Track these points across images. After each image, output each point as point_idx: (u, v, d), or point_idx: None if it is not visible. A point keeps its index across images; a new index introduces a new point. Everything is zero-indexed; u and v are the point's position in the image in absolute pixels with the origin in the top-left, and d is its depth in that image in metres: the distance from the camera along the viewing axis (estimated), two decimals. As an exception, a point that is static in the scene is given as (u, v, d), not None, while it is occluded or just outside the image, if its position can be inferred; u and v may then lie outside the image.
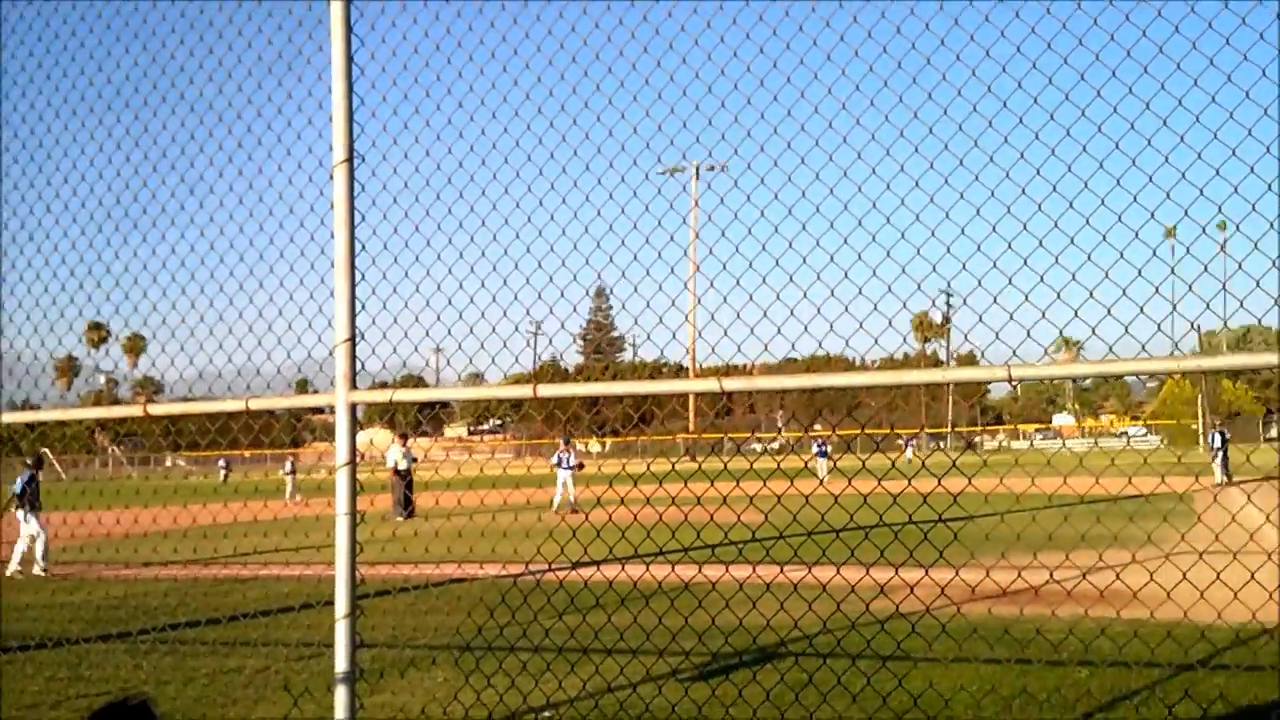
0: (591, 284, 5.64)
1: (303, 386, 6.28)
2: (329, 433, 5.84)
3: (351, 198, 5.15)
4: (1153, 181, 4.35)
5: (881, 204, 4.83)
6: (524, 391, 4.92)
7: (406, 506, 26.20)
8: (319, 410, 5.53)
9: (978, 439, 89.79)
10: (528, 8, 5.36)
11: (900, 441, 71.74)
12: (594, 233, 5.32)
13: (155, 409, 5.85)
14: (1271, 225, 4.12)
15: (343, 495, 5.03)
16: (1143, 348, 4.42)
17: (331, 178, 5.17)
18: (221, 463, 63.33)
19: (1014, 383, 4.46)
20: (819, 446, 45.14)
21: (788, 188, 4.97)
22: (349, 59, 5.18)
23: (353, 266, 5.14)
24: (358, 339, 5.15)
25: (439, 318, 5.63)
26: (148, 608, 12.54)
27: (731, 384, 4.58)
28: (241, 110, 6.06)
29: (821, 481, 33.54)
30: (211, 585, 14.44)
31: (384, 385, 5.91)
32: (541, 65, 5.37)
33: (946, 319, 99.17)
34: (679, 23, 5.09)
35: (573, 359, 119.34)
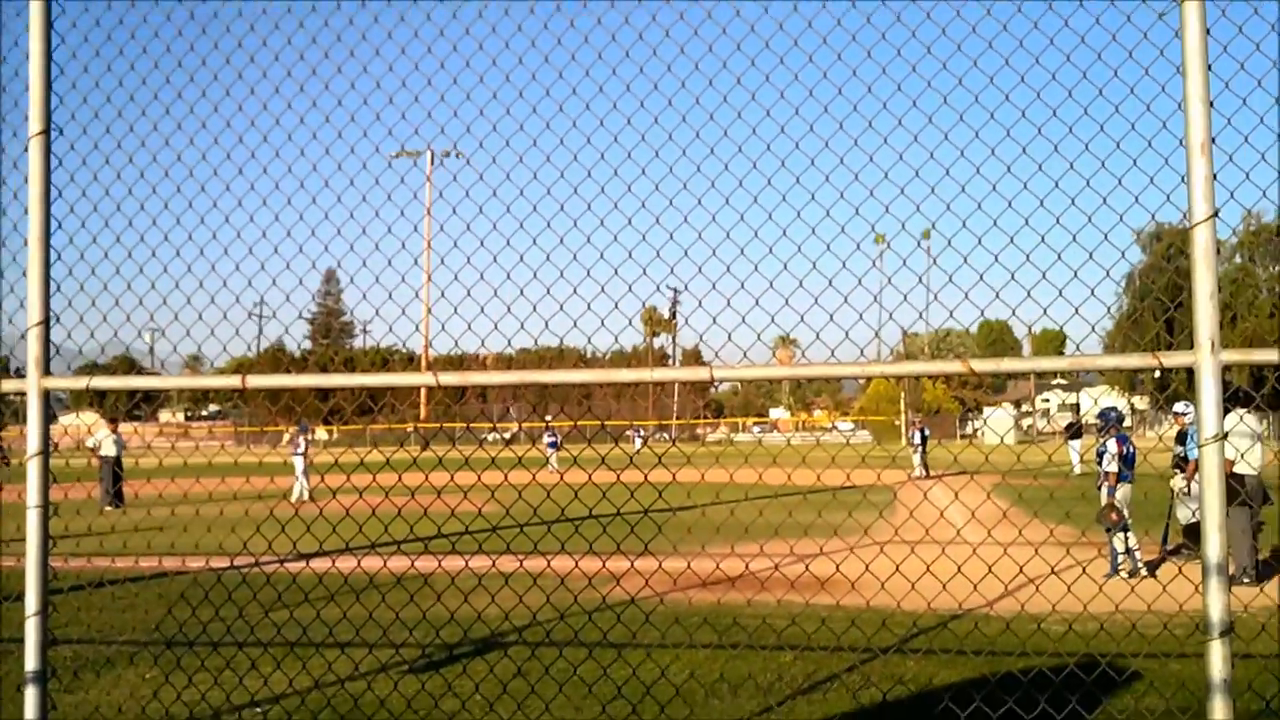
0: (322, 266, 5.59)
1: (4, 365, 5.97)
2: (23, 418, 5.55)
3: (48, 172, 4.91)
4: (873, 196, 4.70)
5: (623, 202, 4.97)
6: (232, 382, 4.81)
7: (117, 495, 24.87)
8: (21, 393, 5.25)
9: (701, 431, 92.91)
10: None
11: (629, 432, 73.48)
12: (330, 217, 5.25)
13: None
14: (978, 238, 4.58)
15: (34, 487, 4.81)
16: (861, 352, 4.77)
17: (27, 150, 4.94)
18: (-105, 446, 58.08)
19: (715, 383, 4.74)
20: (549, 434, 45.64)
21: (522, 175, 5.06)
22: (48, 24, 4.94)
23: (47, 245, 4.90)
24: (53, 321, 4.93)
25: (165, 301, 5.48)
26: None
27: (448, 378, 4.59)
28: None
29: (549, 464, 33.92)
30: None
31: (87, 370, 5.68)
32: (278, 41, 5.26)
33: (673, 314, 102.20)
34: (419, 5, 5.11)
35: (302, 343, 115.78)
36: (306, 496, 26.17)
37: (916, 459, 36.27)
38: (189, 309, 5.50)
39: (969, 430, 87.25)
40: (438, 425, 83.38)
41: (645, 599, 8.03)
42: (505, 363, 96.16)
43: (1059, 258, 4.45)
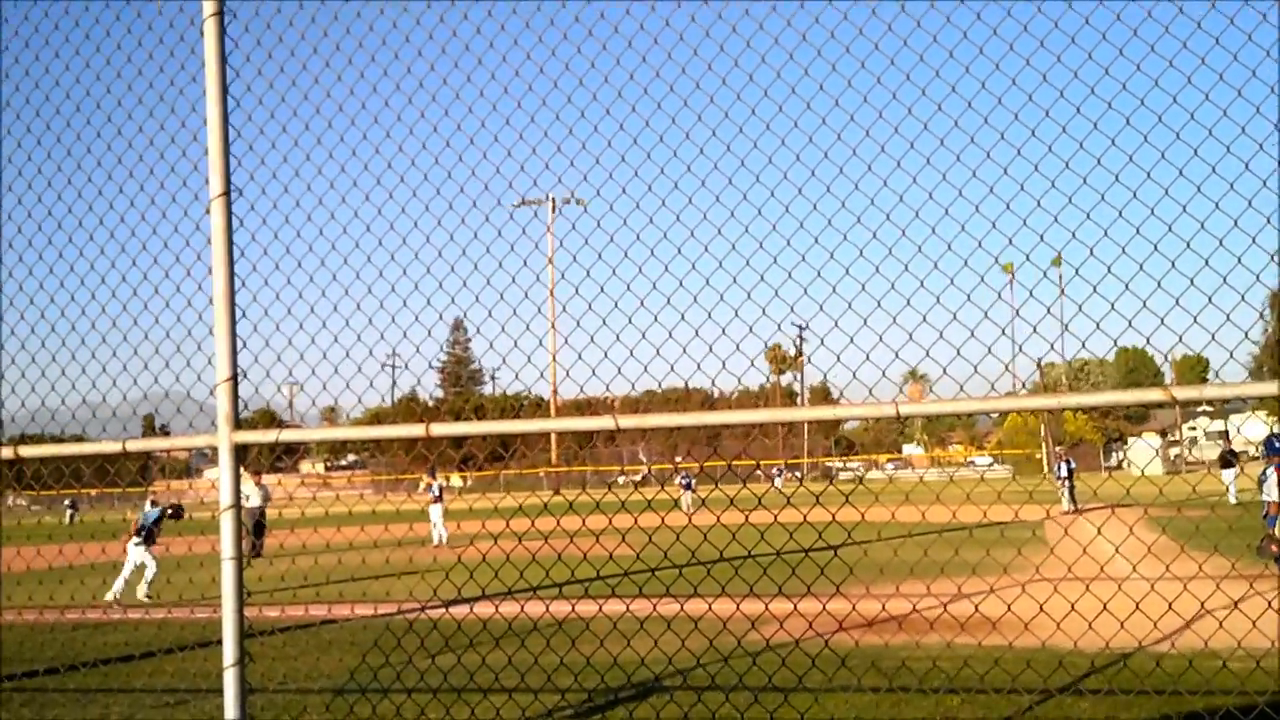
0: (449, 316, 5.61)
1: (149, 421, 6.08)
2: (178, 471, 5.61)
3: (230, 232, 5.01)
4: (996, 228, 4.50)
5: (740, 243, 4.89)
6: (416, 431, 4.78)
7: (255, 546, 25.46)
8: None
9: (834, 468, 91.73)
10: (388, 45, 5.31)
11: (760, 473, 72.85)
12: (456, 268, 5.29)
13: (27, 451, 5.51)
14: (1108, 269, 4.32)
15: (228, 539, 4.83)
16: (992, 386, 4.55)
17: (208, 211, 5.03)
18: (68, 502, 60.65)
19: (901, 419, 4.54)
20: (683, 478, 45.41)
21: (643, 222, 5.02)
22: (224, 90, 5.05)
23: (232, 303, 4.97)
24: (240, 377, 4.98)
25: (301, 356, 5.53)
26: (2, 655, 11.91)
27: (626, 421, 4.52)
28: (111, 141, 5.88)
29: (679, 504, 33.85)
30: (69, 630, 13.78)
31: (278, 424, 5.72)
32: (401, 103, 5.34)
33: (799, 352, 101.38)
34: (532, 60, 5.11)
35: (432, 391, 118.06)
36: (444, 542, 26.42)
37: (1064, 493, 35.04)
38: (324, 362, 5.54)
39: (1113, 461, 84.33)
40: (566, 468, 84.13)
41: (809, 641, 7.78)
42: (633, 405, 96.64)
43: (1192, 284, 4.16)
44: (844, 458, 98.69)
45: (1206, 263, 4.16)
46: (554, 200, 55.07)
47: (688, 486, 43.38)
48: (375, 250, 5.43)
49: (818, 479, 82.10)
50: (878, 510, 5.98)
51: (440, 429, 4.72)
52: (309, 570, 18.00)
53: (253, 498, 26.80)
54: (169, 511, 19.07)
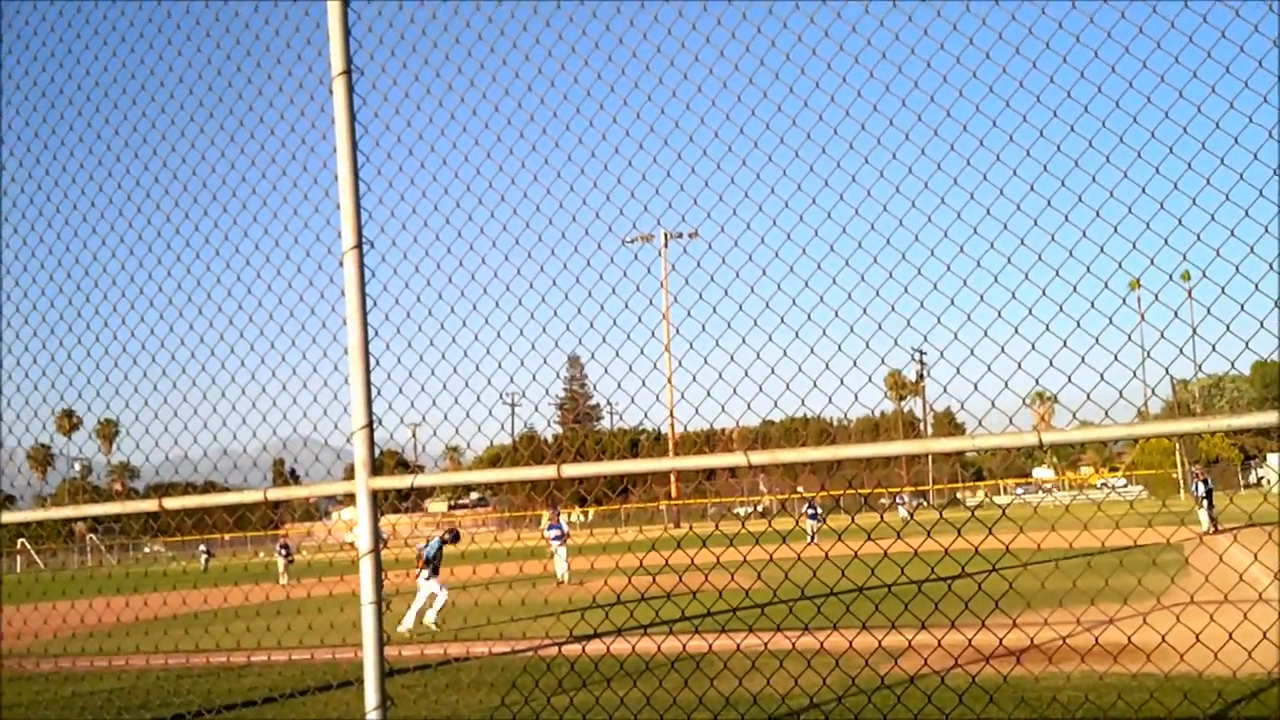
0: (568, 353, 5.68)
1: (279, 468, 6.26)
2: (306, 514, 5.74)
3: (363, 283, 5.16)
4: (1117, 232, 4.40)
5: (854, 261, 4.87)
6: (548, 473, 4.84)
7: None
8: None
9: (960, 495, 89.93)
10: (496, 81, 5.44)
11: (885, 500, 71.80)
12: (570, 300, 5.37)
13: (171, 503, 5.73)
14: (1236, 269, 4.19)
15: (367, 583, 4.94)
16: (1121, 394, 4.46)
17: (341, 264, 5.18)
18: (202, 548, 62.64)
19: (1044, 447, 4.45)
20: (809, 508, 44.94)
21: (759, 250, 5.04)
22: (354, 146, 5.22)
23: (367, 352, 5.12)
24: (375, 425, 5.11)
25: (433, 400, 5.65)
26: (143, 699, 12.32)
27: (757, 457, 4.50)
28: (246, 200, 6.14)
29: (812, 539, 33.48)
30: (205, 673, 14.20)
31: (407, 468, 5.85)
32: (513, 138, 5.45)
33: (921, 376, 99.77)
34: (645, 92, 5.17)
35: (548, 428, 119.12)
36: (566, 579, 26.55)
37: (1203, 514, 33.78)
38: (444, 400, 5.64)
39: (1253, 479, 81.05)
40: (684, 501, 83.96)
41: (953, 675, 7.61)
42: (751, 434, 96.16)
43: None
44: (971, 484, 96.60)
45: None
46: (665, 232, 55.32)
47: (814, 516, 42.98)
48: (497, 290, 5.53)
49: (945, 506, 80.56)
50: (1011, 536, 5.85)
51: (572, 470, 4.75)
52: (447, 610, 18.25)
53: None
54: (446, 538, 20.24)
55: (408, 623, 18.60)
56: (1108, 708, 8.21)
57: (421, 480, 5.07)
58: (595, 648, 9.15)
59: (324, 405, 5.65)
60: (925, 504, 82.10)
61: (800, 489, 78.85)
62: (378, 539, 5.03)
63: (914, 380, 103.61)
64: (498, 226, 5.52)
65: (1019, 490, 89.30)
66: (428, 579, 19.15)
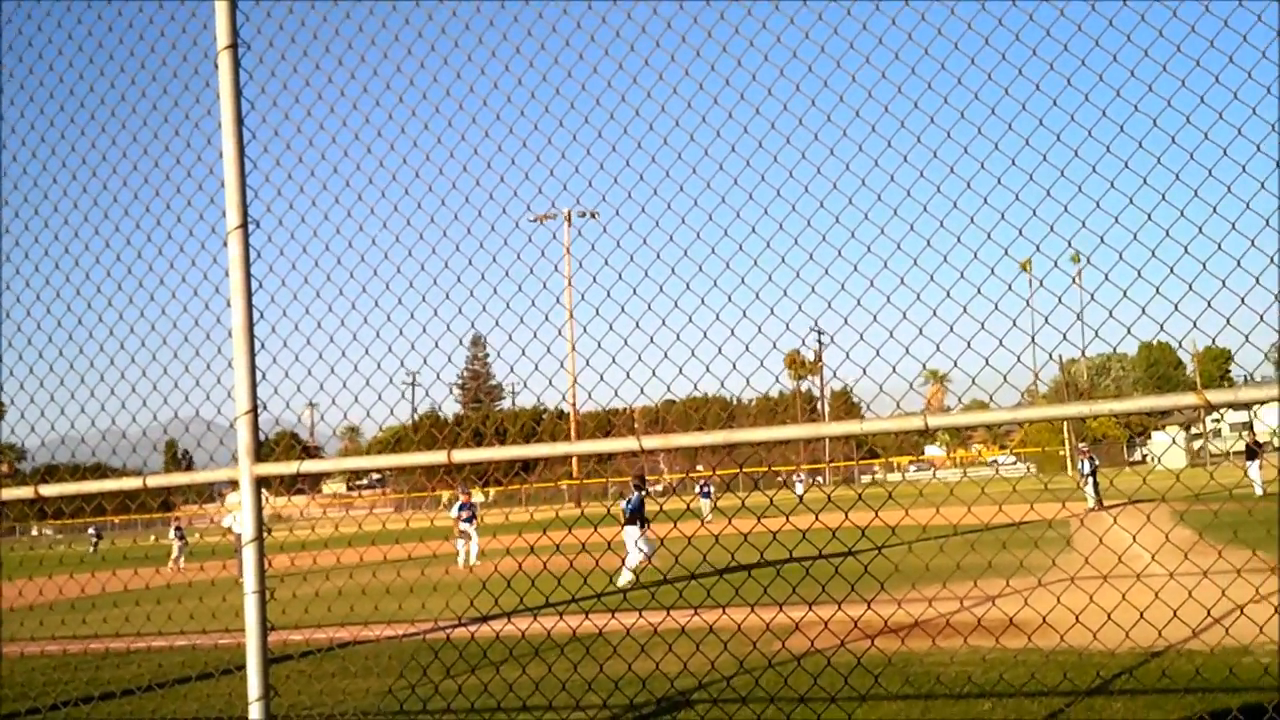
0: (467, 334, 5.65)
1: (171, 449, 6.13)
2: (200, 495, 5.64)
3: (248, 264, 5.03)
4: (1004, 219, 4.51)
5: (753, 248, 4.91)
6: (438, 458, 4.78)
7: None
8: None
9: (855, 473, 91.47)
10: (388, 58, 5.36)
11: (781, 479, 72.78)
12: (472, 286, 5.33)
13: (49, 490, 5.54)
14: (1120, 255, 4.32)
15: (251, 572, 4.84)
16: (1005, 379, 4.57)
17: (226, 244, 5.05)
18: (91, 530, 60.95)
19: (929, 431, 4.53)
20: (701, 487, 45.21)
21: (657, 232, 5.04)
22: (239, 122, 5.09)
23: (251, 335, 4.99)
24: (260, 409, 5.00)
25: (320, 384, 5.57)
26: (20, 690, 11.95)
27: (650, 442, 4.47)
28: (128, 177, 5.95)
29: (704, 521, 33.73)
30: (87, 661, 13.82)
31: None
32: (405, 115, 5.38)
33: (818, 356, 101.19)
34: (540, 72, 5.14)
35: (450, 407, 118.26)
36: (475, 562, 26.26)
37: (1089, 490, 34.81)
38: (337, 380, 5.58)
39: (1137, 456, 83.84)
40: (583, 481, 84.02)
41: (838, 652, 7.74)
42: (653, 414, 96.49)
43: (1223, 284, 4.15)
44: (865, 461, 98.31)
45: (1218, 245, 4.16)
46: (569, 214, 55.23)
47: (706, 495, 43.24)
48: (389, 273, 5.47)
49: (840, 484, 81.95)
50: (898, 516, 5.98)
51: (463, 455, 4.71)
52: (334, 592, 18.04)
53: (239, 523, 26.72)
54: (646, 492, 21.14)
55: (626, 577, 18.41)
56: (991, 684, 8.43)
57: (308, 467, 4.99)
58: (485, 632, 9.12)
59: (207, 390, 5.54)
60: (820, 482, 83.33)
61: (700, 467, 79.45)
62: (261, 526, 4.93)
63: (812, 360, 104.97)
64: (388, 207, 5.45)
65: (911, 468, 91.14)
66: (633, 529, 19.15)
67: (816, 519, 5.29)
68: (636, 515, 19.41)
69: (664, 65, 4.96)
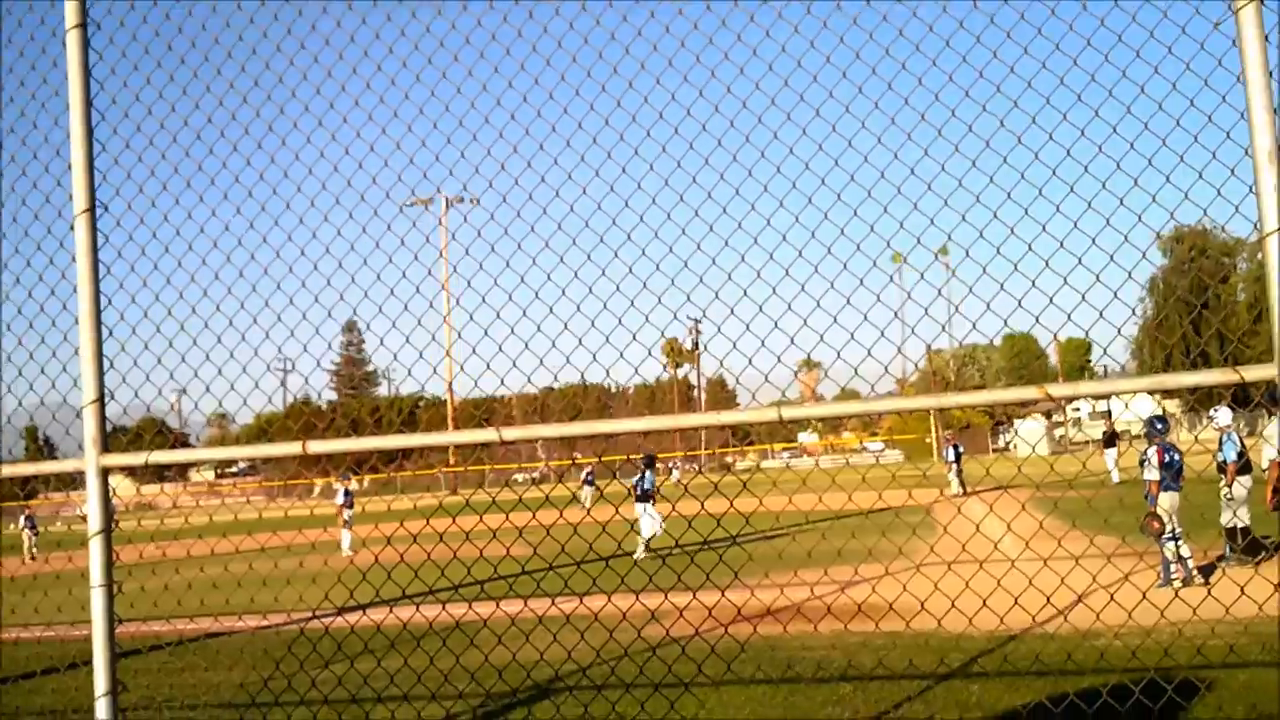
0: (340, 318, 5.55)
1: (33, 435, 5.91)
2: (63, 482, 5.45)
3: (95, 249, 4.85)
4: (887, 211, 4.59)
5: (635, 234, 4.89)
6: (293, 449, 4.68)
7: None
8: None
9: (730, 459, 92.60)
10: (269, 38, 5.22)
11: (660, 466, 73.29)
12: (346, 266, 5.24)
13: None
14: (998, 250, 4.45)
15: (97, 565, 4.68)
16: (885, 369, 4.68)
17: (73, 228, 4.88)
18: (-59, 518, 58.31)
19: (784, 423, 4.58)
20: (586, 475, 45.21)
21: (538, 218, 5.01)
22: (88, 103, 4.90)
23: (99, 322, 4.82)
24: (107, 398, 4.84)
25: (184, 358, 5.43)
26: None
27: (510, 433, 4.47)
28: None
29: (588, 508, 33.81)
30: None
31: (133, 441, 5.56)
32: (284, 96, 5.26)
33: (696, 345, 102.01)
34: (425, 55, 5.07)
35: (327, 394, 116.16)
36: (353, 549, 25.80)
37: (952, 477, 35.79)
38: (210, 367, 5.45)
39: (1001, 444, 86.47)
40: (464, 468, 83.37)
41: (709, 634, 7.83)
42: (531, 403, 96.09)
43: (1082, 263, 4.31)
44: (741, 448, 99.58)
45: (1092, 238, 4.31)
46: (446, 198, 54.71)
47: (589, 481, 43.30)
48: (246, 260, 5.35)
49: (715, 470, 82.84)
50: (776, 500, 6.08)
51: (318, 446, 4.63)
52: (205, 582, 17.62)
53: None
54: (644, 467, 21.89)
55: (641, 551, 19.89)
56: (859, 665, 8.65)
57: (157, 457, 4.85)
58: (354, 618, 9.01)
59: (74, 377, 5.36)
60: (697, 469, 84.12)
61: (578, 455, 79.45)
62: (109, 518, 4.78)
63: (690, 349, 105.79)
64: (242, 193, 5.33)
65: (784, 454, 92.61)
66: (642, 505, 20.52)
67: (674, 509, 5.33)
68: (646, 493, 20.96)
69: (551, 50, 4.92)
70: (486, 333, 5.05)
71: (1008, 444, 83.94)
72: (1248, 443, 15.63)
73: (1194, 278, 71.59)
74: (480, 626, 7.38)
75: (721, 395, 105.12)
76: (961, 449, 38.00)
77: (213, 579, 16.05)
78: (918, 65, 4.48)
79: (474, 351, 5.14)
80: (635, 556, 19.64)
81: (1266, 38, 3.53)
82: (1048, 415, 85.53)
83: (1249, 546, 14.20)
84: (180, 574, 18.22)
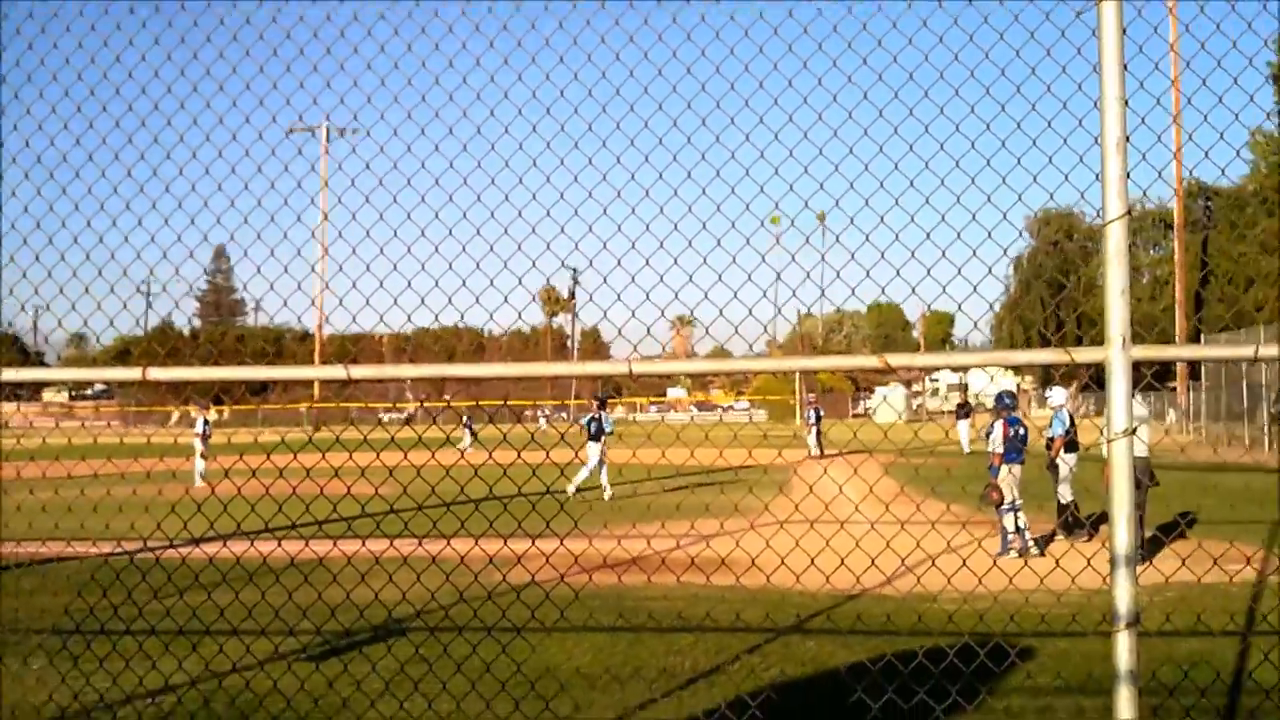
0: (219, 243, 5.49)
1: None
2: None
3: None
4: (749, 175, 4.73)
5: (526, 177, 4.86)
6: (131, 374, 4.53)
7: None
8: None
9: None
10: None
11: (530, 414, 73.33)
12: (226, 190, 5.15)
13: None
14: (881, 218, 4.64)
15: None
16: (765, 328, 4.84)
17: None
18: None
19: (634, 377, 4.69)
20: (464, 419, 44.83)
21: (429, 155, 4.94)
22: None
23: None
24: None
25: (50, 274, 5.33)
26: None
27: (359, 371, 4.39)
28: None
29: (463, 453, 33.63)
30: None
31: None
32: (173, 9, 5.14)
33: (573, 294, 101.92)
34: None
35: (192, 320, 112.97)
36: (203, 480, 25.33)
37: (811, 438, 36.63)
38: (76, 285, 5.35)
39: (861, 409, 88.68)
40: (332, 404, 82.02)
41: (546, 580, 7.98)
42: (403, 342, 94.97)
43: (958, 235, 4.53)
44: (612, 401, 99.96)
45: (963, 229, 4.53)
46: (330, 126, 53.45)
47: (468, 427, 43.08)
48: (140, 169, 5.25)
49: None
50: (624, 454, 6.21)
51: (159, 374, 4.53)
52: (52, 504, 17.11)
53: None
54: (605, 405, 24.00)
55: (573, 488, 20.08)
56: (698, 619, 8.90)
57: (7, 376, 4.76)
58: (188, 550, 8.91)
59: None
60: (566, 417, 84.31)
61: (447, 398, 78.88)
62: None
63: (567, 297, 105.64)
64: (149, 104, 5.21)
65: (653, 409, 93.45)
66: (593, 444, 21.47)
67: (547, 456, 5.45)
68: (599, 433, 21.66)
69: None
70: (369, 268, 5.02)
71: (867, 410, 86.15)
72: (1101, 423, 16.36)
73: (1059, 259, 74.04)
74: (316, 564, 7.37)
75: (595, 348, 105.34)
76: (822, 412, 38.87)
77: (68, 502, 15.64)
78: (790, 31, 4.58)
79: (354, 285, 5.13)
80: (568, 490, 20.19)
81: (1125, 31, 3.70)
82: (908, 385, 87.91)
83: (1065, 524, 14.96)
84: (34, 495, 17.72)
